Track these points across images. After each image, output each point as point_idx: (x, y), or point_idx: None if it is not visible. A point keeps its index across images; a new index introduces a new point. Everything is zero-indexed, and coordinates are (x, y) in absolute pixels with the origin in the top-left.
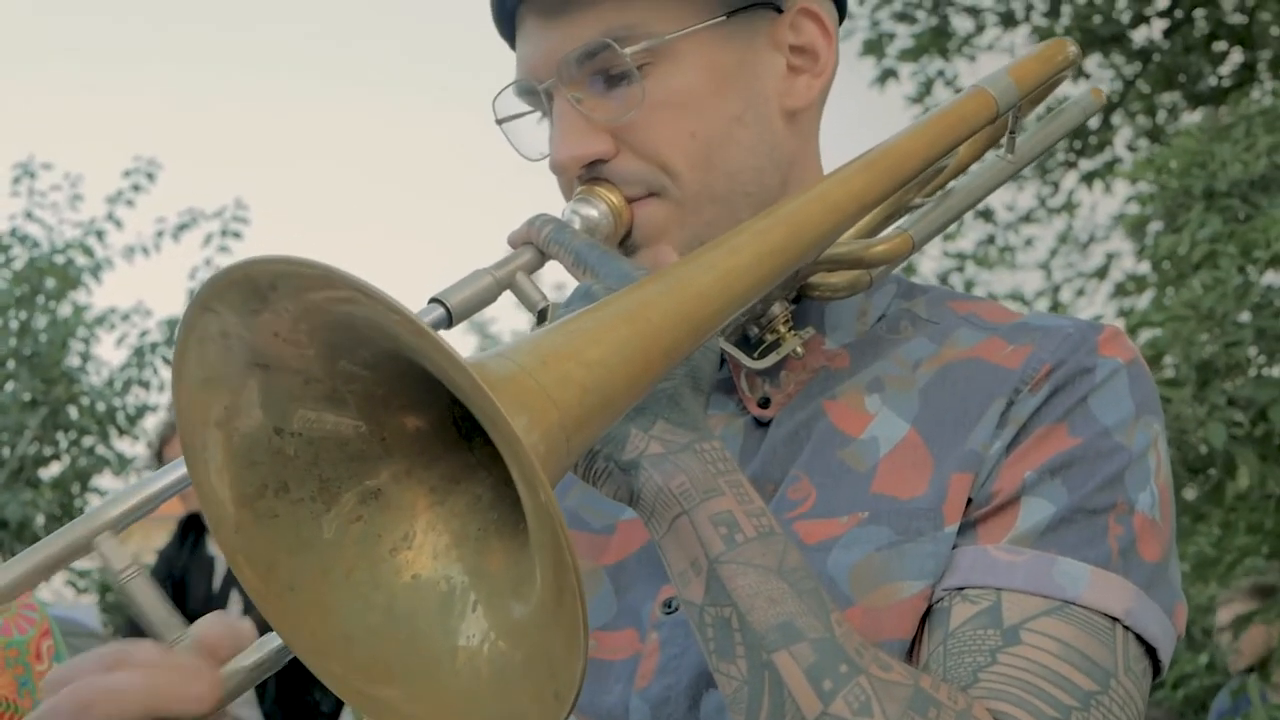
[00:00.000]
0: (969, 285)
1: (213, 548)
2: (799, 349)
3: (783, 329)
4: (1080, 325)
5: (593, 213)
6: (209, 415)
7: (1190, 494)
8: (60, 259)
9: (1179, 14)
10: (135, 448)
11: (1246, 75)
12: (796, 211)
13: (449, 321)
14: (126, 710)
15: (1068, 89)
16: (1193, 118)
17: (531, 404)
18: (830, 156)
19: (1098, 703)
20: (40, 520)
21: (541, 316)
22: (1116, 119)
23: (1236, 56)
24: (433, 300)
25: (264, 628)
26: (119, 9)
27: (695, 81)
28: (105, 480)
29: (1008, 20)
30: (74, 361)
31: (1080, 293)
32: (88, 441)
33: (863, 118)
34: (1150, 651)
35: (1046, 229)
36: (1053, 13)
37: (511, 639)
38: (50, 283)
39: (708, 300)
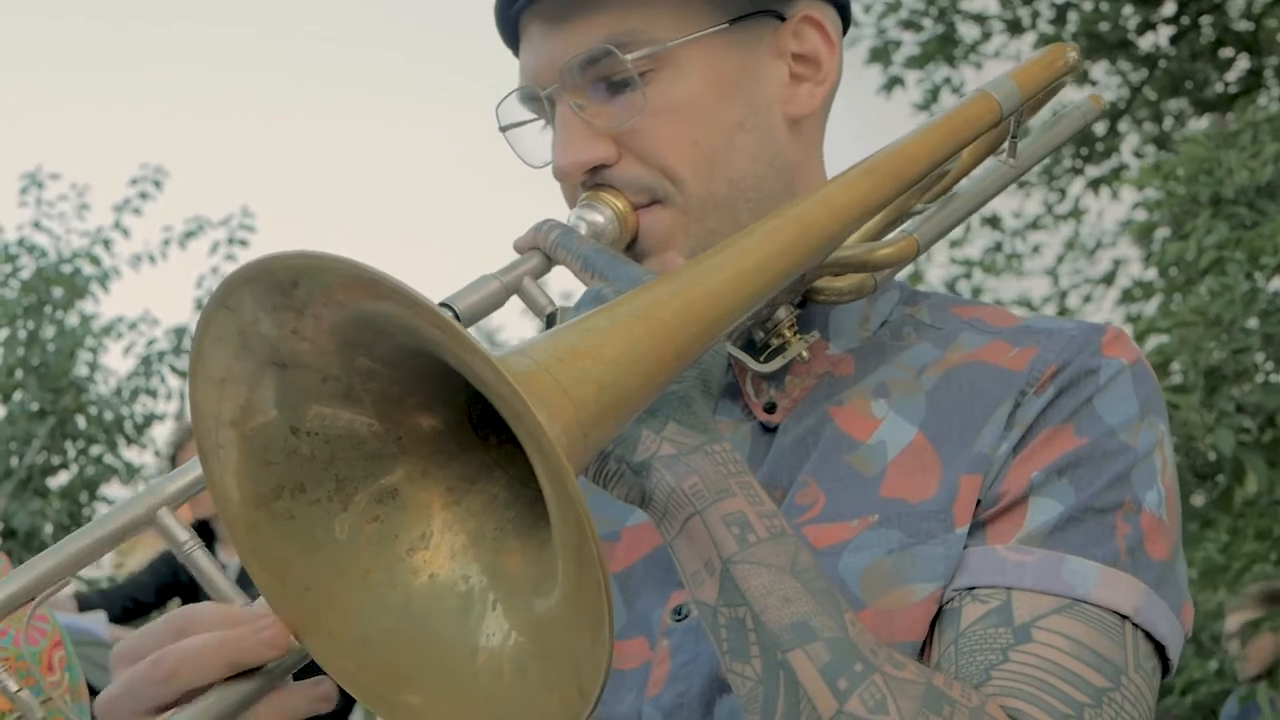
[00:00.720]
0: (976, 292)
1: (223, 555)
2: (804, 353)
3: (788, 333)
4: (1084, 327)
5: (598, 218)
6: (224, 414)
7: (1198, 500)
8: (67, 268)
9: (1185, 21)
10: (143, 456)
11: (1253, 82)
12: (803, 214)
13: None
14: (208, 671)
15: (1072, 95)
16: (1199, 124)
17: (550, 400)
18: (836, 164)
19: (1110, 699)
20: (48, 529)
21: (549, 321)
22: (1123, 125)
23: (1243, 63)
24: (441, 305)
25: None
26: (122, 15)
27: (697, 88)
28: (113, 489)
29: (1014, 27)
30: (82, 371)
31: (1088, 299)
32: (96, 450)
33: (869, 125)
34: (1159, 650)
35: (1054, 235)
36: (1059, 20)
37: (533, 636)
38: (58, 292)
39: (718, 301)
